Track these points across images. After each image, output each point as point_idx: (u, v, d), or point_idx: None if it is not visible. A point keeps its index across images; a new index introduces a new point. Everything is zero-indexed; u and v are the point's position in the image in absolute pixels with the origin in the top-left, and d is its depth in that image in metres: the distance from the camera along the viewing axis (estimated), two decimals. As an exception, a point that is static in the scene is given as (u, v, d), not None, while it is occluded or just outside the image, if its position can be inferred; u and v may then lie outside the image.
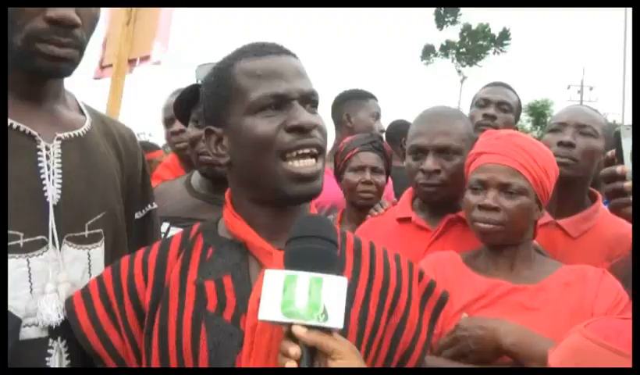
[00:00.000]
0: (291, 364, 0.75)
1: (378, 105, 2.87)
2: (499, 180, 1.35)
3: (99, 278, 0.98)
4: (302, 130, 0.88)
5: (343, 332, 0.83)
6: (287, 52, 0.94)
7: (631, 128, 1.01)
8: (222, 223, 0.99)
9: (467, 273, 1.37)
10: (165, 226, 1.51)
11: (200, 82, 1.53)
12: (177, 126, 2.38)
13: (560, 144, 1.70)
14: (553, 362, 0.84)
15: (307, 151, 0.89)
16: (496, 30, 24.18)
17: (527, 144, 1.40)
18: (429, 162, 1.59)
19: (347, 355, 0.78)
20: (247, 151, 0.91)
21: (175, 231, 1.46)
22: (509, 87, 2.43)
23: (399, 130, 3.02)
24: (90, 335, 0.94)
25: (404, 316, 0.96)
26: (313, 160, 0.90)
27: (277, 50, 0.94)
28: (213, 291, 0.90)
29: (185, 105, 1.55)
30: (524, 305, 1.28)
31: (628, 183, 0.99)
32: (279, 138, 0.88)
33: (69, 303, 0.97)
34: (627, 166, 1.00)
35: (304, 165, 0.89)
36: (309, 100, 0.92)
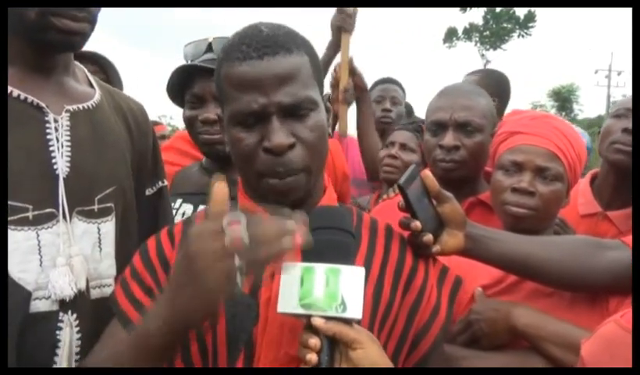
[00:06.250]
0: (311, 355, 0.75)
1: (383, 88, 2.90)
2: (537, 164, 1.30)
3: (130, 263, 0.98)
4: (275, 153, 0.85)
5: None
6: (274, 52, 0.84)
7: (408, 175, 0.98)
8: (237, 203, 0.99)
9: None
10: (178, 202, 1.54)
11: (189, 62, 1.51)
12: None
13: (625, 131, 1.62)
14: (586, 352, 0.81)
15: (282, 174, 0.86)
16: (520, 13, 23.61)
17: (564, 127, 1.35)
18: (449, 138, 1.53)
19: (367, 345, 0.77)
20: (234, 157, 0.91)
21: (186, 206, 1.48)
22: None
23: None
24: (129, 312, 0.93)
25: (420, 293, 0.95)
26: (292, 178, 0.87)
27: (261, 52, 0.84)
28: None
29: (177, 87, 1.52)
30: (541, 290, 1.23)
31: (427, 237, 0.97)
32: (258, 159, 0.87)
33: (112, 294, 0.98)
34: (421, 214, 0.99)
35: (278, 182, 0.87)
36: (294, 110, 0.86)
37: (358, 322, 0.79)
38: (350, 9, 2.33)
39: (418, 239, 0.98)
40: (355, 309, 0.77)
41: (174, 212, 1.58)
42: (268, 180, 0.87)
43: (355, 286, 0.77)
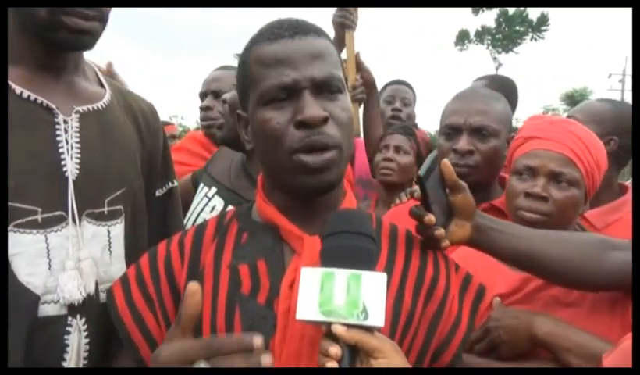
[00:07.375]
0: (332, 364, 0.73)
1: (394, 89, 2.92)
2: (551, 169, 1.27)
3: (137, 263, 0.97)
4: (309, 126, 0.83)
5: None
6: (305, 32, 0.86)
7: (428, 166, 0.97)
8: (255, 207, 0.97)
9: (499, 267, 1.29)
10: (212, 191, 1.59)
11: None
12: (206, 102, 2.35)
13: None
14: (608, 367, 0.78)
15: (316, 147, 0.84)
16: (533, 16, 23.42)
17: (582, 133, 1.32)
18: (463, 142, 1.51)
19: (389, 354, 0.75)
20: (261, 143, 0.88)
21: (217, 200, 1.53)
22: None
23: None
24: (125, 317, 0.92)
25: (442, 304, 0.92)
26: (324, 153, 0.85)
27: (292, 32, 0.85)
28: (247, 274, 0.88)
29: None
30: (560, 300, 1.20)
31: (439, 231, 0.96)
32: (289, 135, 0.84)
33: (109, 289, 0.96)
34: (435, 207, 0.97)
35: (313, 157, 0.84)
36: (325, 86, 0.85)
37: (380, 330, 0.76)
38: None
39: (429, 232, 0.96)
40: (377, 317, 0.74)
41: (206, 200, 1.61)
42: (301, 156, 0.84)
43: (377, 293, 0.74)
